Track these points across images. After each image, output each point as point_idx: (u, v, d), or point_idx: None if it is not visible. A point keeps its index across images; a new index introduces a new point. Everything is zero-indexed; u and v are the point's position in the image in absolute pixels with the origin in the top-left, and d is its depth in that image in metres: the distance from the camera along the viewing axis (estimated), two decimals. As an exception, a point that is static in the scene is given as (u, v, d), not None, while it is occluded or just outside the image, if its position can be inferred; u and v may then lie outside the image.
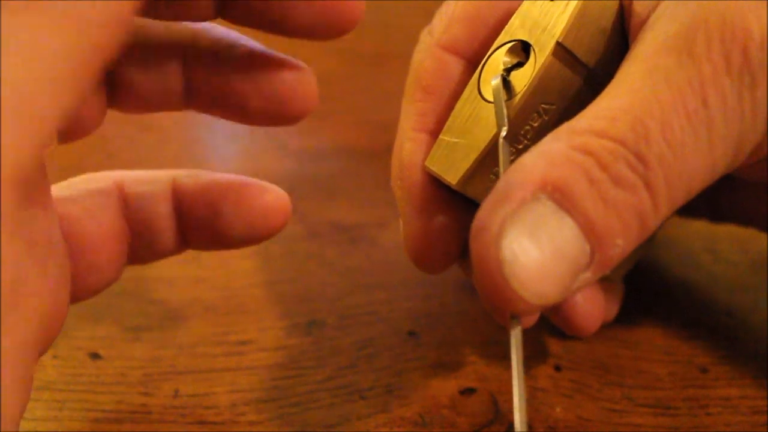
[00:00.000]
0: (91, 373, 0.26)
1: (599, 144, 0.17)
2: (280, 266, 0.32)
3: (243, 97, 0.21)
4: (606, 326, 0.25)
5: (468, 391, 0.25)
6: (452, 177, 0.22)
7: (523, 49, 0.21)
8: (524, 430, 0.17)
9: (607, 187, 0.17)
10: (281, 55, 0.21)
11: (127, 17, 0.14)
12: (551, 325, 0.26)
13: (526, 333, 0.27)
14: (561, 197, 0.17)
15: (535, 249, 0.16)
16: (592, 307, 0.23)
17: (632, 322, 0.28)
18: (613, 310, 0.25)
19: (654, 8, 0.20)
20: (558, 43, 0.20)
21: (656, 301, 0.30)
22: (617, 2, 0.21)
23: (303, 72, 0.21)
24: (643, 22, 0.20)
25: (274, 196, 0.22)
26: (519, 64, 0.21)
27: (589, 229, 0.17)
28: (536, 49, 0.21)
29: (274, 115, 0.21)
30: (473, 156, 0.21)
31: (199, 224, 0.22)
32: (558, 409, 0.24)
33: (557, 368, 0.26)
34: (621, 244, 0.17)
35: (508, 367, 0.26)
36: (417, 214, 0.23)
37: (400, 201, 0.23)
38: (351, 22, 0.19)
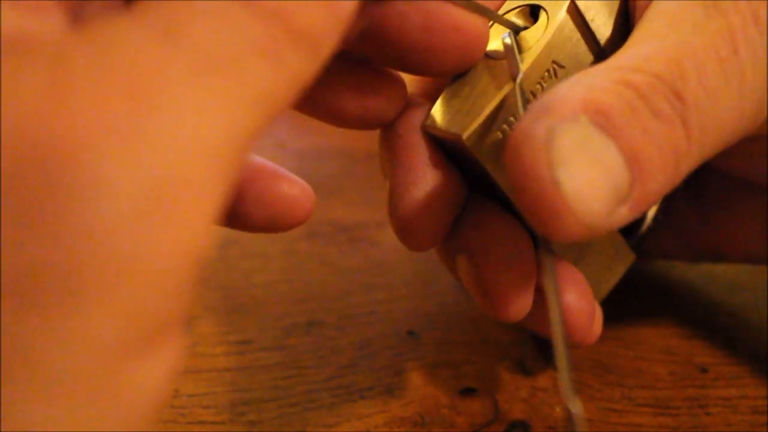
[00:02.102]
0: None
1: (638, 77, 0.17)
2: (280, 266, 0.32)
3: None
4: (606, 326, 0.24)
5: (468, 391, 0.25)
6: (461, 131, 0.20)
7: (531, 15, 0.21)
8: (569, 387, 0.16)
9: (648, 117, 0.16)
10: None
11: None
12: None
13: (525, 333, 0.27)
14: (604, 121, 0.16)
15: (584, 162, 0.16)
16: (587, 308, 0.23)
17: (632, 322, 0.28)
18: (598, 330, 0.24)
19: None
20: (573, 2, 0.20)
21: (656, 301, 0.30)
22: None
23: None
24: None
25: (300, 189, 0.22)
26: (526, 28, 0.21)
27: (632, 157, 0.16)
28: (549, 9, 0.20)
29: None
30: (486, 108, 0.20)
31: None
32: (558, 409, 0.24)
33: (557, 368, 0.26)
34: (659, 180, 0.17)
35: (508, 367, 0.26)
36: (409, 178, 0.21)
37: (389, 165, 0.22)
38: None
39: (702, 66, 0.17)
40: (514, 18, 0.21)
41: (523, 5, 0.21)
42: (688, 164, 0.17)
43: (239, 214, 0.22)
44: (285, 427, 0.24)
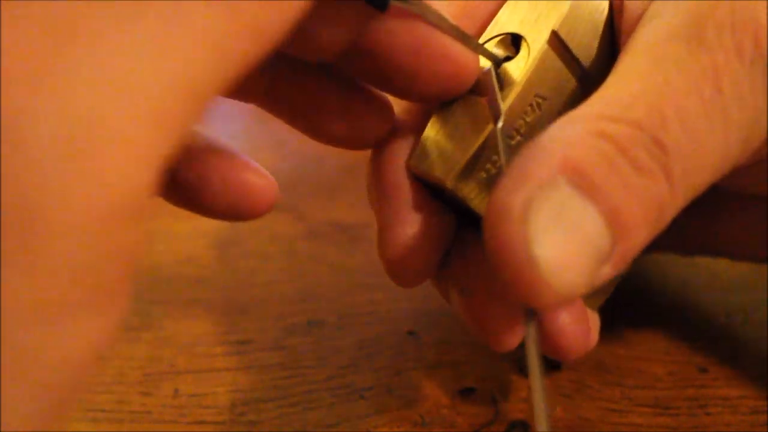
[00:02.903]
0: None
1: (617, 128, 0.16)
2: (280, 266, 0.32)
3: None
4: (606, 326, 0.24)
5: (468, 391, 0.25)
6: (444, 175, 0.20)
7: (512, 44, 0.20)
8: None
9: (628, 172, 0.16)
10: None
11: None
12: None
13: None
14: (582, 182, 0.16)
15: (560, 233, 0.15)
16: (581, 328, 0.22)
17: (632, 322, 0.28)
18: (593, 339, 0.24)
19: (647, 5, 0.19)
20: (554, 32, 0.20)
21: (656, 301, 0.30)
22: (607, 4, 0.21)
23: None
24: (636, 20, 0.19)
25: (265, 180, 0.21)
26: (508, 59, 0.20)
27: (613, 217, 0.16)
28: (529, 40, 0.20)
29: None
30: (468, 151, 0.20)
31: (183, 184, 0.21)
32: (558, 409, 0.24)
33: (557, 368, 0.26)
34: (642, 235, 0.16)
35: (508, 367, 0.26)
36: (396, 219, 0.21)
37: (377, 205, 0.22)
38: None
39: (684, 110, 0.16)
40: (495, 48, 0.21)
41: (504, 34, 0.21)
42: (672, 212, 0.17)
43: (202, 197, 0.21)
44: (285, 427, 0.24)
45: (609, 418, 0.24)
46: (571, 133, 0.16)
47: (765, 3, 0.17)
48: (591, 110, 0.17)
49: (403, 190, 0.21)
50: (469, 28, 0.21)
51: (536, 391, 0.16)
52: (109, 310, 0.12)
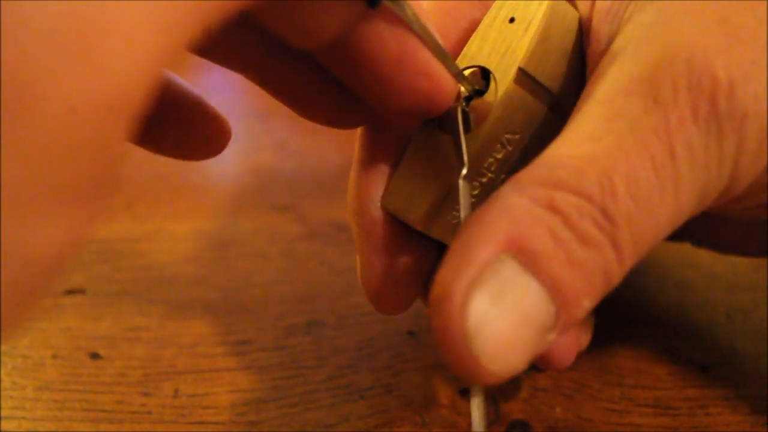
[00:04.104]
0: (91, 372, 0.26)
1: (564, 199, 0.16)
2: (280, 266, 0.32)
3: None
4: (606, 326, 0.25)
5: (468, 391, 0.25)
6: (413, 217, 0.20)
7: (482, 76, 0.20)
8: None
9: (573, 246, 0.16)
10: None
11: None
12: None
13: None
14: (526, 258, 0.16)
15: (501, 316, 0.16)
16: (569, 342, 0.22)
17: (632, 322, 0.28)
18: (586, 339, 0.24)
19: (614, 36, 0.19)
20: (520, 69, 0.19)
21: (656, 301, 0.30)
22: (577, 22, 0.20)
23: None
24: (603, 52, 0.19)
25: (219, 122, 0.21)
26: (479, 92, 0.20)
27: (555, 292, 0.16)
28: (497, 76, 0.19)
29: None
30: (436, 195, 0.20)
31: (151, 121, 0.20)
32: (558, 409, 0.24)
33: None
34: (587, 305, 0.17)
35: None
36: (376, 253, 0.21)
37: (358, 238, 0.22)
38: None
39: (635, 176, 0.16)
40: (466, 80, 0.20)
41: (474, 67, 0.20)
42: (620, 276, 0.17)
43: (154, 131, 0.21)
44: (285, 427, 0.24)
45: (609, 419, 0.24)
46: (519, 205, 0.16)
47: (725, 58, 0.16)
48: (542, 173, 0.17)
49: (380, 226, 0.21)
50: (450, 29, 0.21)
51: None
52: (89, 202, 0.11)
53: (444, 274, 0.16)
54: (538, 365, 0.23)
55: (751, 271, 0.31)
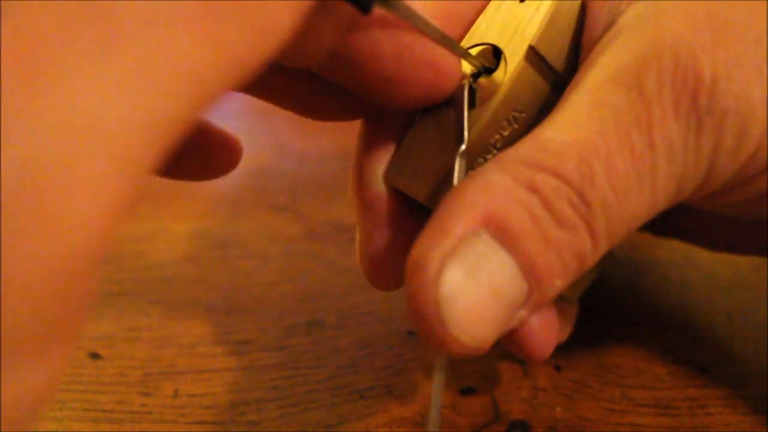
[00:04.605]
0: (91, 373, 0.26)
1: (544, 180, 0.16)
2: (280, 266, 0.32)
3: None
4: (606, 326, 0.25)
5: (468, 391, 0.25)
6: (417, 191, 0.20)
7: (493, 55, 0.20)
8: None
9: (549, 226, 0.16)
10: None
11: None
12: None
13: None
14: (502, 235, 0.16)
15: (474, 289, 0.16)
16: (548, 333, 0.22)
17: (632, 322, 0.28)
18: (566, 331, 0.24)
19: (609, 26, 0.19)
20: (531, 47, 0.19)
21: (656, 301, 0.30)
22: (579, 9, 0.20)
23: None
24: (597, 40, 0.19)
25: (231, 141, 0.22)
26: (487, 70, 0.20)
27: (528, 269, 0.16)
28: (507, 54, 0.20)
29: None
30: (439, 168, 0.20)
31: None
32: (558, 409, 0.24)
33: (557, 368, 0.26)
34: (559, 284, 0.17)
35: (508, 367, 0.26)
36: (375, 228, 0.21)
37: (358, 213, 0.22)
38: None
39: (613, 164, 0.16)
40: (475, 59, 0.20)
41: (486, 46, 0.20)
42: (593, 260, 0.17)
43: (171, 165, 0.21)
44: (285, 427, 0.24)
45: (609, 418, 0.24)
46: (499, 182, 0.17)
47: (711, 55, 0.17)
48: (524, 154, 0.17)
49: (382, 200, 0.21)
50: (455, 27, 0.21)
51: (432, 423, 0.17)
52: (54, 356, 0.11)
53: (420, 243, 0.16)
54: (516, 354, 0.23)
55: (752, 272, 0.31)
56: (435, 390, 0.18)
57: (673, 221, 0.27)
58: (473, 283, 0.16)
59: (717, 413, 0.24)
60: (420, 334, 0.17)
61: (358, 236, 0.22)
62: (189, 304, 0.29)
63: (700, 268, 0.31)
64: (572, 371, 0.26)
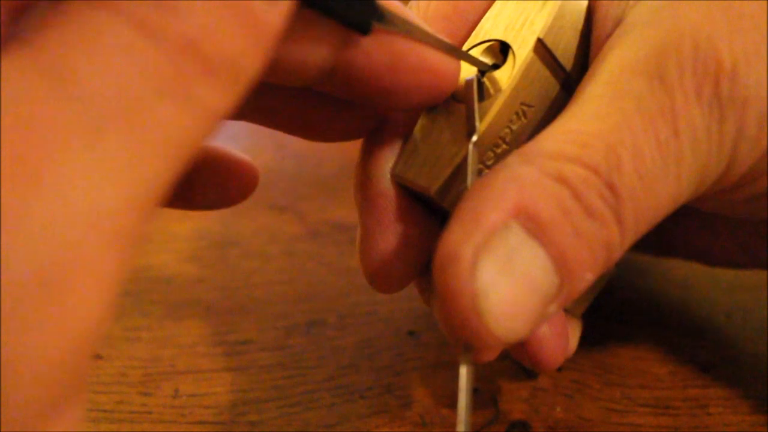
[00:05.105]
0: (91, 373, 0.26)
1: (573, 171, 0.16)
2: (280, 266, 0.32)
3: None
4: (606, 326, 0.25)
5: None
6: (429, 184, 0.20)
7: (500, 51, 0.20)
8: None
9: (580, 218, 0.16)
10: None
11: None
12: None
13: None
14: (533, 227, 0.16)
15: (508, 282, 0.16)
16: (560, 342, 0.22)
17: (632, 322, 0.28)
18: (573, 346, 0.24)
19: (619, 21, 0.19)
20: (539, 40, 0.19)
21: (656, 300, 0.30)
22: (586, 6, 0.20)
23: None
24: (607, 37, 0.19)
25: (249, 174, 0.22)
26: (494, 67, 0.20)
27: (561, 262, 0.16)
28: (515, 47, 0.20)
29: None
30: (453, 161, 0.19)
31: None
32: (558, 409, 0.24)
33: (557, 368, 0.26)
34: (589, 277, 0.17)
35: (508, 367, 0.26)
36: (379, 227, 0.21)
37: (360, 211, 0.22)
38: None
39: (640, 152, 0.16)
40: (482, 56, 0.20)
41: (492, 41, 0.20)
42: (620, 252, 0.17)
43: (186, 197, 0.21)
44: (285, 427, 0.24)
45: (610, 418, 0.24)
46: (527, 174, 0.16)
47: (729, 42, 0.17)
48: (550, 146, 0.17)
49: (387, 197, 0.21)
50: (459, 28, 0.21)
51: (462, 423, 0.17)
52: (60, 423, 0.12)
53: (451, 236, 0.16)
54: (526, 364, 0.23)
55: (751, 272, 0.31)
56: (463, 390, 0.17)
57: (674, 240, 0.27)
58: (508, 276, 0.16)
59: (717, 413, 0.24)
60: (449, 329, 0.16)
61: (359, 236, 0.22)
62: (189, 304, 0.29)
63: (700, 268, 0.31)
64: (572, 371, 0.26)
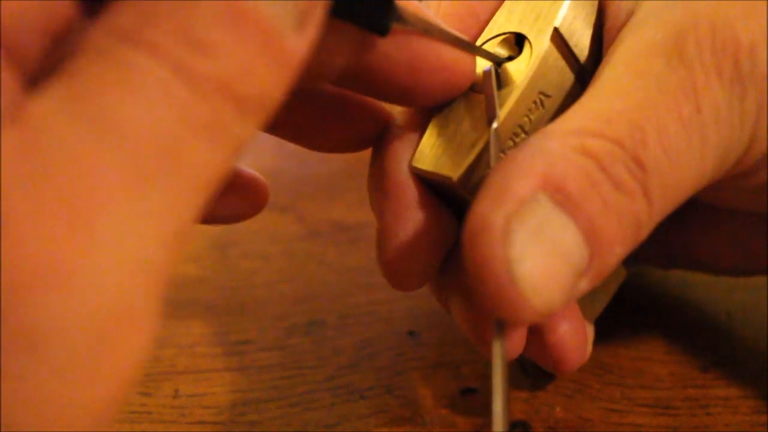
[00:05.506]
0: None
1: (598, 145, 0.16)
2: (280, 266, 0.32)
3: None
4: (606, 326, 0.24)
5: (468, 391, 0.25)
6: (451, 172, 0.20)
7: (516, 44, 0.21)
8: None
9: (607, 190, 0.16)
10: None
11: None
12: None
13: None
14: (563, 198, 0.16)
15: (541, 251, 0.15)
16: (581, 341, 0.22)
17: (633, 322, 0.28)
18: (588, 350, 0.24)
19: (632, 12, 0.19)
20: (556, 29, 0.20)
21: (656, 301, 0.30)
22: (597, 1, 0.21)
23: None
24: (620, 27, 0.19)
25: (261, 189, 0.22)
26: (510, 58, 0.20)
27: (590, 233, 0.16)
28: (532, 38, 0.20)
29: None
30: (474, 149, 0.19)
31: None
32: (558, 409, 0.24)
33: (551, 378, 0.26)
34: (619, 250, 0.17)
35: (509, 367, 0.26)
36: (398, 220, 0.20)
37: (378, 206, 0.21)
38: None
39: (664, 128, 0.16)
40: (498, 48, 0.21)
41: (508, 34, 0.21)
42: (648, 228, 0.17)
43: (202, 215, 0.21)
44: (285, 427, 0.24)
45: (609, 419, 0.24)
46: (553, 148, 0.16)
47: (745, 22, 0.17)
48: (573, 124, 0.17)
49: (406, 191, 0.21)
50: (471, 27, 0.21)
51: (498, 402, 0.16)
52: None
53: (480, 206, 0.16)
54: (544, 365, 0.23)
55: (752, 271, 0.31)
56: (497, 367, 0.16)
57: (677, 252, 0.27)
58: (540, 246, 0.15)
59: (717, 413, 0.24)
60: (483, 300, 0.16)
61: (377, 233, 0.21)
62: (189, 304, 0.29)
63: (700, 268, 0.31)
64: (573, 371, 0.26)
